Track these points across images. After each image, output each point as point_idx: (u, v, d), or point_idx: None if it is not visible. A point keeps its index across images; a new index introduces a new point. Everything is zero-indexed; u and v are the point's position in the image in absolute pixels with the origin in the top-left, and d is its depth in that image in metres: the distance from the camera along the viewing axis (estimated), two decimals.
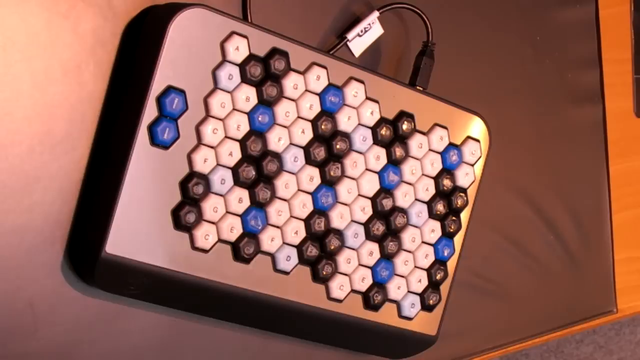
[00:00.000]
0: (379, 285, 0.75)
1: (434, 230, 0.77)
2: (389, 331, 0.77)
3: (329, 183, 0.71)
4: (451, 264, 0.79)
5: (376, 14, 0.77)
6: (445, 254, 0.78)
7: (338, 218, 0.72)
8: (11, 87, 0.62)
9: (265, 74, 0.67)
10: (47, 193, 0.64)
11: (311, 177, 0.70)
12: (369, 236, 0.74)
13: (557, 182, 0.92)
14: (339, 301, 0.73)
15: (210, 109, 0.65)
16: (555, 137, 0.92)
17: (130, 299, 0.67)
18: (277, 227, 0.69)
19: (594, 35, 0.94)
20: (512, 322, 0.91)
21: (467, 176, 0.78)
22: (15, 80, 0.62)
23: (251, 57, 0.66)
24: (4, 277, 0.63)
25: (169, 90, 0.63)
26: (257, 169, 0.68)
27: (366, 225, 0.74)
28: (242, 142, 0.67)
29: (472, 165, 0.79)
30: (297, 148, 0.70)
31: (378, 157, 0.73)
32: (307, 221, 0.71)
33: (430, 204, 0.77)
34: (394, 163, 0.74)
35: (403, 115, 0.74)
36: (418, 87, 0.76)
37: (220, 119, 0.66)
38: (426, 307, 0.78)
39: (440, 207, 0.77)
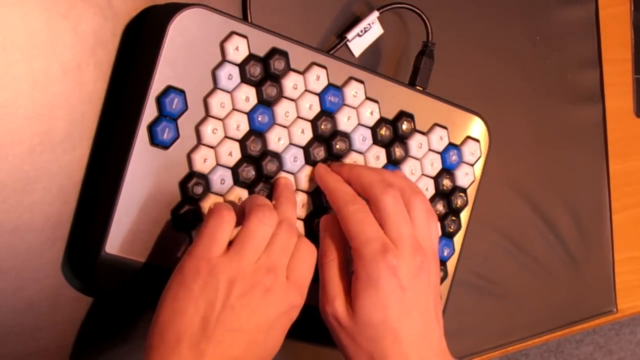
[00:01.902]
0: None
1: None
2: None
3: None
4: (451, 264, 0.79)
5: (376, 14, 0.77)
6: (445, 254, 0.78)
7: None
8: (11, 87, 0.62)
9: (265, 74, 0.67)
10: (47, 193, 0.64)
11: (311, 177, 0.70)
12: None
13: (557, 182, 0.92)
14: None
15: (210, 109, 0.65)
16: (555, 137, 0.92)
17: (130, 298, 0.67)
18: None
19: (594, 35, 0.94)
20: (512, 322, 0.91)
21: (467, 176, 0.78)
22: (15, 80, 0.62)
23: (251, 57, 0.66)
24: (4, 277, 0.63)
25: (168, 90, 0.63)
26: (257, 168, 0.68)
27: None
28: (242, 142, 0.67)
29: (472, 165, 0.79)
30: (296, 148, 0.70)
31: (378, 157, 0.73)
32: (307, 221, 0.71)
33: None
34: (393, 163, 0.74)
35: (403, 115, 0.74)
36: (418, 87, 0.76)
37: (220, 119, 0.66)
38: None
39: (440, 207, 0.77)
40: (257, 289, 0.61)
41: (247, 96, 0.67)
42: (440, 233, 0.76)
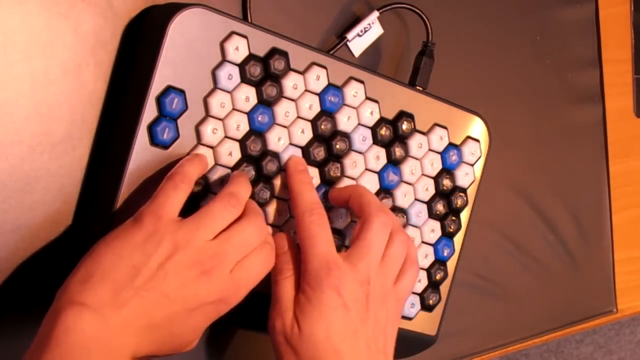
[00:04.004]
0: None
1: (433, 230, 0.77)
2: None
3: (328, 183, 0.71)
4: (451, 264, 0.79)
5: (376, 14, 0.77)
6: (445, 254, 0.78)
7: (338, 219, 0.72)
8: (11, 87, 0.62)
9: (264, 73, 0.67)
10: (47, 193, 0.64)
11: (310, 177, 0.70)
12: None
13: (557, 182, 0.92)
14: None
15: (210, 108, 0.65)
16: (555, 137, 0.92)
17: None
18: (277, 227, 0.69)
19: (594, 35, 0.94)
20: (512, 322, 0.91)
21: (467, 176, 0.78)
22: (15, 80, 0.62)
23: (251, 57, 0.66)
24: (4, 277, 0.63)
25: (168, 90, 0.63)
26: (257, 168, 0.68)
27: None
28: (242, 142, 0.67)
29: (472, 165, 0.79)
30: (296, 148, 0.70)
31: (378, 157, 0.73)
32: None
33: (430, 204, 0.77)
34: (393, 163, 0.74)
35: (403, 115, 0.74)
36: (418, 87, 0.76)
37: (219, 119, 0.66)
38: (426, 307, 0.78)
39: (440, 207, 0.77)
40: (195, 266, 0.59)
41: (247, 96, 0.67)
42: (414, 284, 0.72)
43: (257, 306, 0.70)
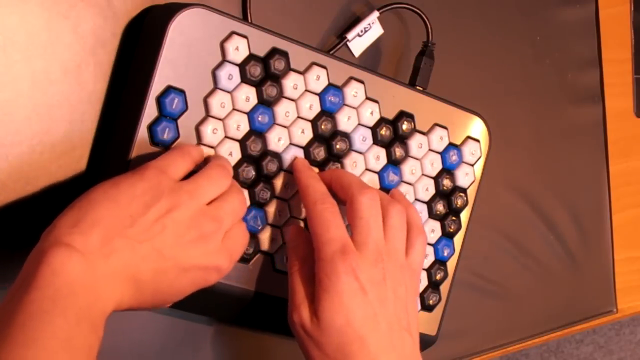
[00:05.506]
0: None
1: (433, 230, 0.77)
2: None
3: None
4: (451, 264, 0.79)
5: (376, 14, 0.77)
6: (445, 254, 0.78)
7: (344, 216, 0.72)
8: (11, 87, 0.62)
9: (265, 74, 0.67)
10: (47, 193, 0.64)
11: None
12: None
13: (557, 182, 0.92)
14: None
15: (210, 109, 0.65)
16: (555, 137, 0.92)
17: None
18: (277, 227, 0.69)
19: (594, 35, 0.94)
20: (512, 322, 0.91)
21: (467, 176, 0.78)
22: (15, 80, 0.62)
23: (251, 57, 0.66)
24: (5, 278, 0.63)
25: (168, 90, 0.63)
26: (257, 169, 0.68)
27: None
28: (242, 142, 0.67)
29: (472, 165, 0.79)
30: (297, 148, 0.70)
31: (378, 157, 0.73)
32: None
33: (430, 204, 0.77)
34: (393, 163, 0.74)
35: (403, 115, 0.74)
36: (418, 87, 0.76)
37: (220, 119, 0.66)
38: (426, 307, 0.78)
39: (440, 207, 0.77)
40: (194, 228, 0.58)
41: (247, 96, 0.67)
42: (425, 252, 0.72)
43: (265, 308, 0.70)
